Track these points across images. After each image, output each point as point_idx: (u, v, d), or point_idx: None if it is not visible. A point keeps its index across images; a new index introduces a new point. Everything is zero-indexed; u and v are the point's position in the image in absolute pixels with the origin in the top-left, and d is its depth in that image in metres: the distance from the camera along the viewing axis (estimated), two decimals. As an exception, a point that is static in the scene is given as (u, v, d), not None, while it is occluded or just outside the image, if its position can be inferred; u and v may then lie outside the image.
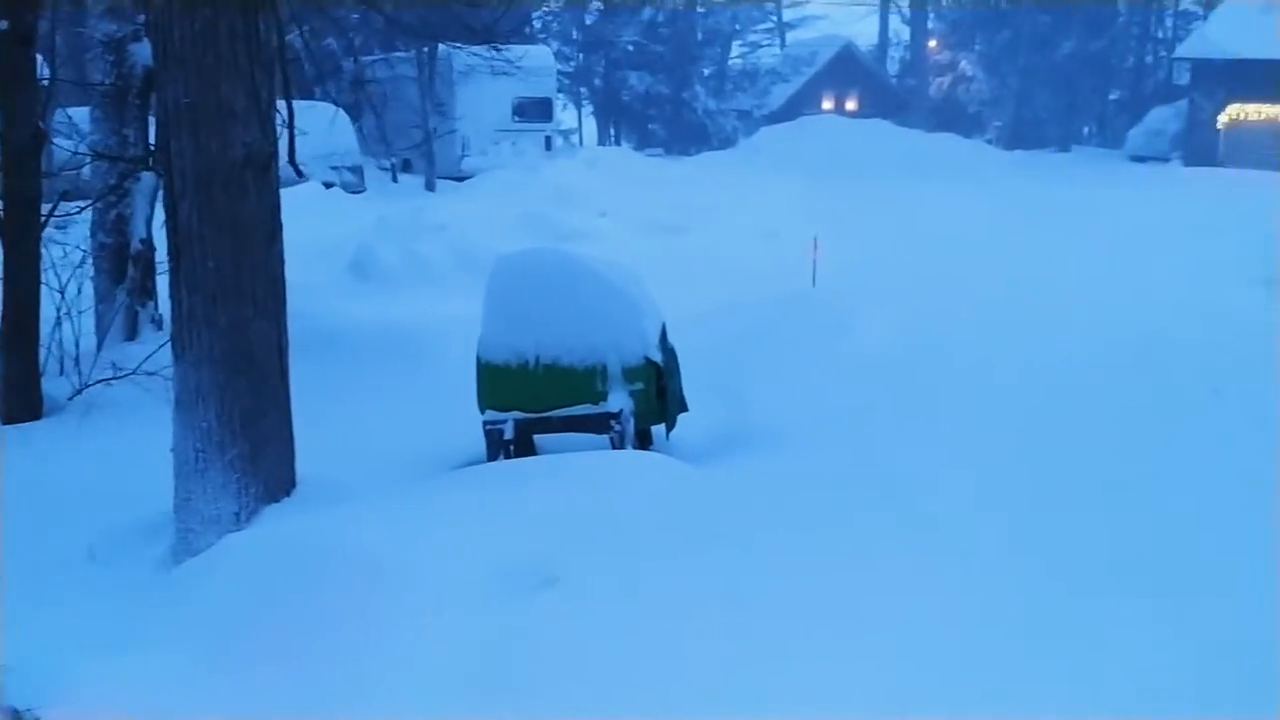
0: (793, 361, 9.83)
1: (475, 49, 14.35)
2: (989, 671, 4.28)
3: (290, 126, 7.19)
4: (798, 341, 10.60)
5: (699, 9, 42.92)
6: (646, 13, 39.42)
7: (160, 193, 6.75)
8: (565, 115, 40.25)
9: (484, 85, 26.70)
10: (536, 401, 7.14)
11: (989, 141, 42.50)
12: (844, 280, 14.61)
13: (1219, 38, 34.95)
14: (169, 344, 6.00)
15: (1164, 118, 39.09)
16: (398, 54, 28.51)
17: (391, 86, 27.68)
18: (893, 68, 52.53)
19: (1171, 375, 9.36)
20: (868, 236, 20.11)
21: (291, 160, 7.23)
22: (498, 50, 14.05)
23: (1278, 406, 7.93)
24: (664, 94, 39.25)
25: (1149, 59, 48.26)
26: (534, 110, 30.15)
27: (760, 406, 8.49)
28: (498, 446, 7.13)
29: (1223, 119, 35.12)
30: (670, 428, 7.72)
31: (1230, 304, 13.22)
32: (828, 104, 47.32)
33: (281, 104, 6.76)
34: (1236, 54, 33.91)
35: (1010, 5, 45.04)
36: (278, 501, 5.92)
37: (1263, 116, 34.13)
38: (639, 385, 7.21)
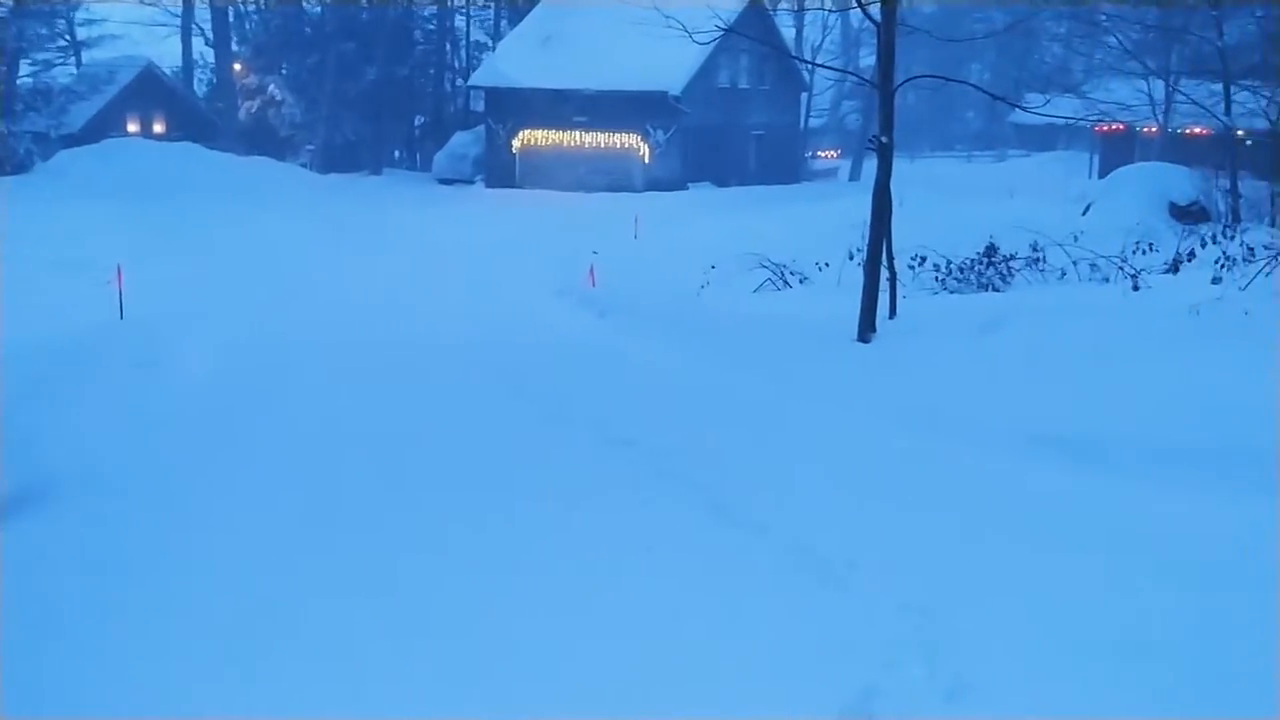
0: (103, 401, 9.33)
1: None
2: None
3: None
4: (106, 379, 10.08)
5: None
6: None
7: None
8: None
9: None
10: None
11: (304, 165, 42.83)
12: (156, 310, 14.14)
13: (506, 69, 38.12)
14: None
15: (466, 142, 41.81)
16: None
17: None
18: (201, 90, 51.03)
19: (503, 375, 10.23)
20: (182, 263, 19.54)
21: None
22: None
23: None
24: (-64, 114, 35.04)
25: (448, 87, 51.37)
26: None
27: (63, 454, 7.89)
28: None
29: (516, 144, 38.35)
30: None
31: (549, 313, 14.48)
32: (133, 126, 44.96)
33: None
34: (521, 84, 37.20)
35: (314, 31, 45.70)
36: None
37: (549, 141, 37.75)
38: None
